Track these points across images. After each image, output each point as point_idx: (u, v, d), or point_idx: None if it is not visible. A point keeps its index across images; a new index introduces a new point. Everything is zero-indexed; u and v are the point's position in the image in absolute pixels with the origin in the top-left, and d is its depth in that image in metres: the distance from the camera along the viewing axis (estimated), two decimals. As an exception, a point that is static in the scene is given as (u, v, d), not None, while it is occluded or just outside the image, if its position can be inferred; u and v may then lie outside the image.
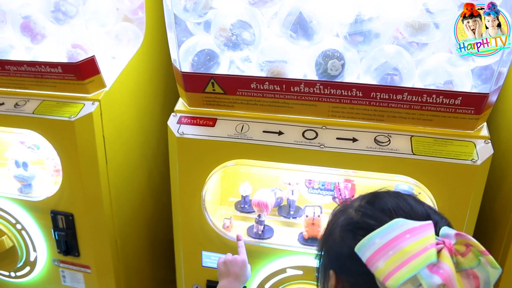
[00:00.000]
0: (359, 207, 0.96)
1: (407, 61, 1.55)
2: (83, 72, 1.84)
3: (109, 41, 2.03)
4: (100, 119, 1.88)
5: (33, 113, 1.91)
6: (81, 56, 1.83)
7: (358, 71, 1.60)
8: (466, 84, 1.54)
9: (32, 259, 2.18)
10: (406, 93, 1.52)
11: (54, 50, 1.92)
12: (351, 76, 1.59)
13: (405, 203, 0.93)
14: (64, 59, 1.88)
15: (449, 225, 0.91)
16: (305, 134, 1.64)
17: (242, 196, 1.93)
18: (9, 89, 2.03)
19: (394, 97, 1.53)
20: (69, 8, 1.78)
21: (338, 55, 1.56)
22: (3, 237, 2.11)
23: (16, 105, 1.97)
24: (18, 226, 2.11)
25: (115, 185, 2.04)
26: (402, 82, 1.54)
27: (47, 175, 2.18)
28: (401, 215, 0.88)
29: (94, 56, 1.82)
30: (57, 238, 2.08)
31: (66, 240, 2.08)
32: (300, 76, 1.65)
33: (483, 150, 1.53)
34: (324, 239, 1.02)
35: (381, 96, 1.54)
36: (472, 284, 0.81)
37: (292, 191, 1.86)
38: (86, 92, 1.90)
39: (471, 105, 1.50)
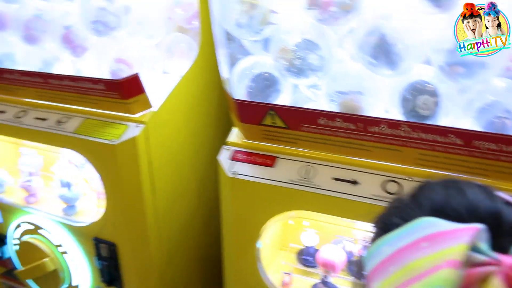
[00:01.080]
0: (403, 199, 0.68)
1: (525, 99, 1.18)
2: (126, 90, 1.60)
3: (159, 55, 1.77)
4: (145, 143, 1.64)
5: (74, 132, 1.71)
6: (124, 73, 1.60)
7: (456, 111, 1.24)
8: None
9: (74, 283, 2.02)
10: (523, 144, 1.15)
11: (99, 64, 1.70)
12: (446, 116, 1.24)
13: (460, 196, 0.62)
14: (108, 75, 1.66)
15: None
16: (385, 186, 1.29)
17: (305, 245, 1.62)
18: (53, 103, 1.84)
19: (505, 149, 1.16)
20: (111, 19, 1.54)
21: (431, 89, 1.21)
22: (46, 259, 1.96)
23: (59, 122, 1.78)
24: (61, 249, 1.96)
25: (163, 217, 1.81)
26: (515, 127, 1.18)
27: (93, 196, 1.99)
28: (448, 215, 0.58)
29: (137, 73, 1.57)
30: (100, 267, 1.90)
31: (109, 270, 1.89)
32: (381, 112, 1.31)
33: None
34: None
35: (488, 147, 1.18)
36: None
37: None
38: (130, 112, 1.66)
39: None
